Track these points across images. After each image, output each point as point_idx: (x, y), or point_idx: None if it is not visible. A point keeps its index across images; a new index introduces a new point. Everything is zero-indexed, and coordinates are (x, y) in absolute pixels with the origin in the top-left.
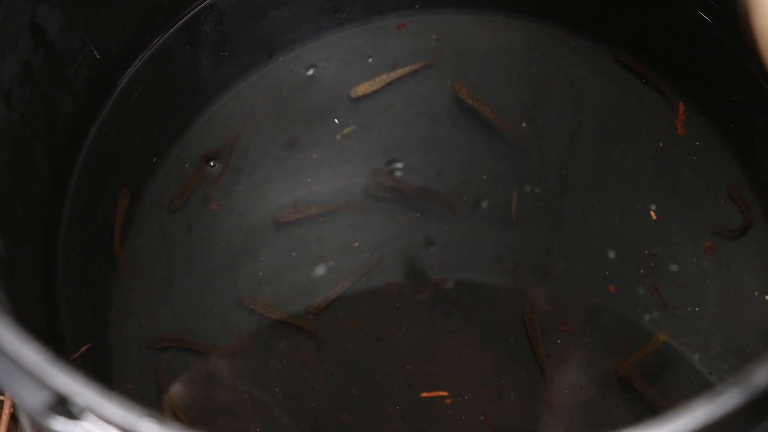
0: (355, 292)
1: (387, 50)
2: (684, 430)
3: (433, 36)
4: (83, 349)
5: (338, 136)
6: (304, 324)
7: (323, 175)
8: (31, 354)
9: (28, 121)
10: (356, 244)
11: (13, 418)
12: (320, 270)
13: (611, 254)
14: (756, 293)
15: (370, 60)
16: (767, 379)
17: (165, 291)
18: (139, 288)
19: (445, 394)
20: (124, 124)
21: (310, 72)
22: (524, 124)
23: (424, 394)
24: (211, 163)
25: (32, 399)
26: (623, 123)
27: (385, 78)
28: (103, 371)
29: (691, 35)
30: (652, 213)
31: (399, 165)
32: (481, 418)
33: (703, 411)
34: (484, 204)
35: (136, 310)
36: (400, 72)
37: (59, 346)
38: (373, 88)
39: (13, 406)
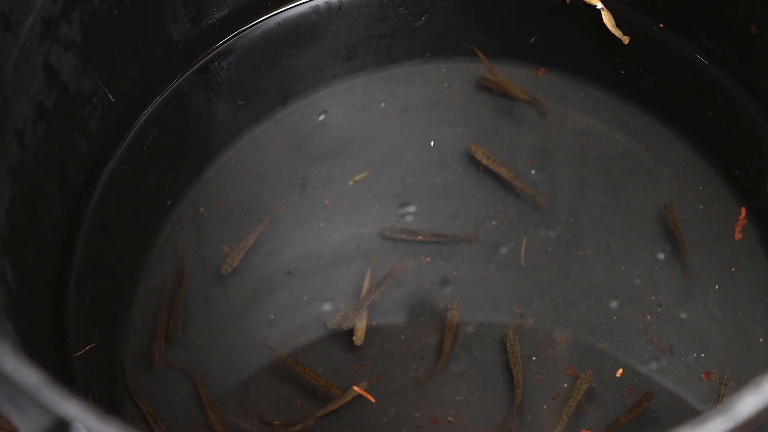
0: (365, 337)
1: (399, 97)
2: None
3: (445, 84)
4: (87, 348)
5: (351, 182)
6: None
7: (335, 220)
8: (30, 377)
9: (42, 160)
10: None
11: None
12: (330, 312)
13: (618, 299)
14: (761, 340)
15: (382, 105)
16: (752, 408)
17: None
18: (151, 329)
19: (373, 400)
20: (139, 166)
21: (323, 118)
22: (533, 171)
23: (355, 387)
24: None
25: (32, 423)
26: (631, 171)
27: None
28: (114, 411)
29: (698, 84)
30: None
31: (411, 209)
32: None
33: None
34: (494, 249)
35: (149, 351)
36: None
37: (70, 384)
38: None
39: None
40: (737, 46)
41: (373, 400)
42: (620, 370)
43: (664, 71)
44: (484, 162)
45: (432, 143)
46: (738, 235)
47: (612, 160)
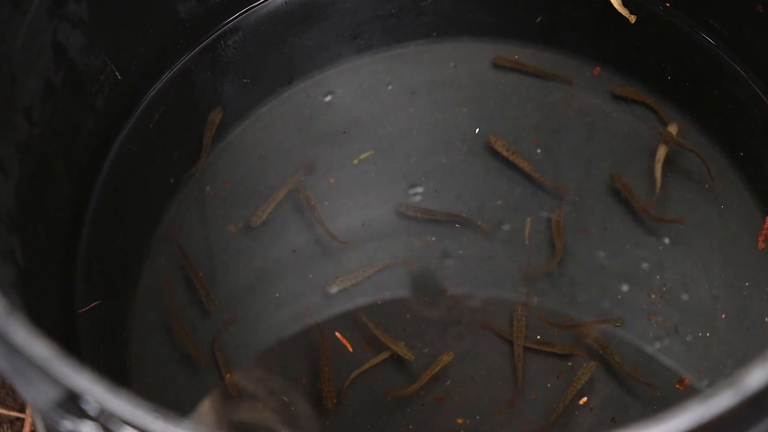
0: (370, 314)
1: (405, 77)
2: (677, 431)
3: (451, 64)
4: (92, 305)
5: (356, 161)
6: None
7: (340, 199)
8: (41, 350)
9: (49, 138)
10: None
11: None
12: (335, 291)
13: (623, 279)
14: (766, 319)
15: (389, 87)
16: (760, 382)
17: (184, 311)
18: (158, 308)
19: (351, 349)
20: (145, 145)
21: (329, 98)
22: (539, 151)
23: (337, 333)
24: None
25: (43, 396)
26: (635, 150)
27: (361, 273)
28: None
29: (704, 64)
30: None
31: (418, 190)
32: None
33: (696, 412)
34: (499, 229)
35: (155, 330)
36: (376, 267)
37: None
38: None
39: (33, 424)
40: (744, 25)
41: (351, 350)
42: (584, 398)
43: (670, 51)
44: (504, 154)
45: (477, 130)
46: (761, 245)
47: (617, 140)
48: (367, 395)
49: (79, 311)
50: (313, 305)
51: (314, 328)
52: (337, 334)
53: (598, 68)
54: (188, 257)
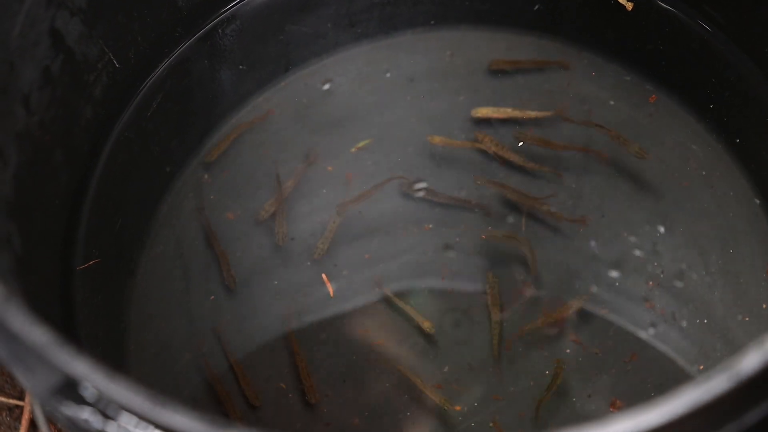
0: (368, 303)
1: (403, 65)
2: (672, 415)
3: (448, 52)
4: (91, 263)
5: (353, 149)
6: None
7: (338, 187)
8: (39, 336)
9: (48, 126)
10: (368, 255)
11: (33, 425)
12: (333, 280)
13: (620, 267)
14: (764, 306)
15: (388, 75)
16: (755, 366)
17: (181, 299)
18: (156, 295)
19: (332, 295)
20: (143, 133)
21: (327, 86)
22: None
23: (324, 276)
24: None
25: (41, 383)
26: (633, 137)
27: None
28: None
29: (701, 52)
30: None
31: (416, 177)
32: (491, 425)
33: (690, 396)
34: (496, 217)
35: (153, 317)
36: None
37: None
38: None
39: (32, 411)
40: (741, 13)
41: (332, 295)
42: None
43: (667, 38)
44: (493, 149)
45: (520, 144)
46: None
47: (614, 127)
48: (366, 380)
49: (78, 268)
50: (311, 292)
51: (313, 315)
52: (324, 275)
53: (654, 96)
54: (213, 231)
